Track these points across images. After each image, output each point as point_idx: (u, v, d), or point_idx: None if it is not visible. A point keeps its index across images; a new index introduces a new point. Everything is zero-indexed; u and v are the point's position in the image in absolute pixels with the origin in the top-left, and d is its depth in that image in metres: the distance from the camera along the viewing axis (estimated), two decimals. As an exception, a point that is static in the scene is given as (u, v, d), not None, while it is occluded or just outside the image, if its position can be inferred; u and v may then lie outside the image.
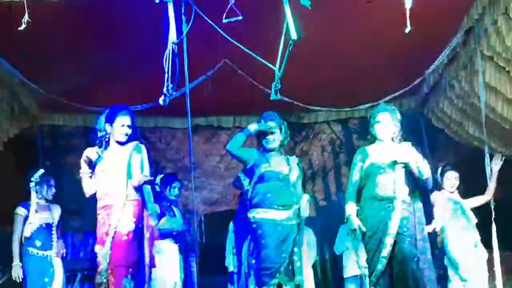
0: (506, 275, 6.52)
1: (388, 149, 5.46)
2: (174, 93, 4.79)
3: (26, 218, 6.58)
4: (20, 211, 6.65)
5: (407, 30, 4.59)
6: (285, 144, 5.94)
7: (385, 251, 5.21)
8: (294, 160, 5.84)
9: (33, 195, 6.72)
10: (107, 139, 5.29)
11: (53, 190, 6.83)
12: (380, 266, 5.22)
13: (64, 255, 6.88)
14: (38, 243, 6.57)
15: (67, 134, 9.08)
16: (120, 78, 7.16)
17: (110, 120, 5.27)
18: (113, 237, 5.05)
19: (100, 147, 5.28)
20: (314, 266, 8.65)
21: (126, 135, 5.28)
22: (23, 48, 6.11)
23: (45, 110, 8.48)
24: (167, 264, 6.96)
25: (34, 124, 8.49)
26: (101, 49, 6.53)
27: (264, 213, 5.54)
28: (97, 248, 5.17)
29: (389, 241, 5.21)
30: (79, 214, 8.30)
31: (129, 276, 5.02)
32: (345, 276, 8.45)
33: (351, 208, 5.43)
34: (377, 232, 5.28)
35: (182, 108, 4.79)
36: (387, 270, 5.25)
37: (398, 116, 5.53)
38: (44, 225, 6.65)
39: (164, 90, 4.65)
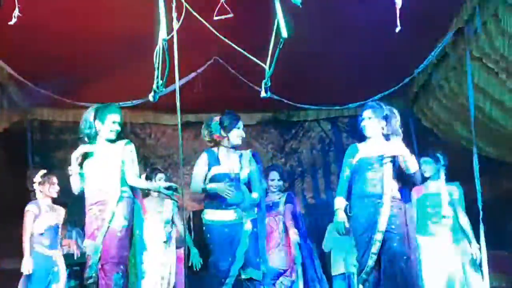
0: (494, 274, 6.56)
1: (377, 144, 5.45)
2: (164, 89, 4.79)
3: (36, 216, 6.62)
4: (33, 208, 6.66)
5: (397, 29, 4.61)
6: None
7: (375, 248, 5.21)
8: (246, 156, 5.76)
9: (39, 195, 6.75)
10: (94, 136, 5.28)
11: (57, 187, 6.83)
12: (370, 263, 5.23)
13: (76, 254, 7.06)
14: (46, 241, 6.60)
15: (57, 129, 9.06)
16: (110, 73, 7.16)
17: (101, 117, 5.25)
18: (106, 232, 5.03)
19: (86, 143, 5.28)
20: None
21: (116, 132, 5.28)
22: (13, 42, 6.10)
23: (34, 105, 8.46)
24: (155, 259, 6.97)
25: (23, 118, 8.47)
26: (91, 44, 6.53)
27: (212, 214, 5.55)
28: (86, 242, 5.16)
29: (378, 237, 5.20)
30: (67, 209, 8.28)
31: (120, 272, 5.01)
32: (333, 274, 8.47)
33: (339, 203, 5.43)
34: (367, 229, 5.29)
35: (172, 104, 4.79)
36: (376, 268, 5.26)
37: (385, 112, 5.52)
38: (53, 225, 6.69)
39: (154, 86, 4.64)
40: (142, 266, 5.37)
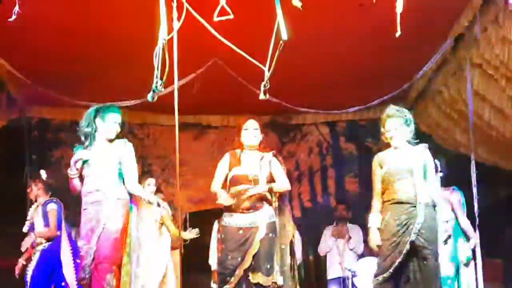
0: (489, 281, 6.56)
1: (403, 154, 5.35)
2: (163, 89, 4.78)
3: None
4: (59, 207, 6.95)
5: (397, 34, 4.61)
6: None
7: (401, 257, 5.09)
8: (267, 158, 5.71)
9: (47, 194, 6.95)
10: (93, 135, 5.27)
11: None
12: (392, 270, 5.12)
13: None
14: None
15: (55, 127, 9.06)
16: (109, 73, 7.15)
17: (102, 116, 5.25)
18: (100, 234, 5.02)
19: (84, 142, 5.27)
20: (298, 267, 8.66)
21: (116, 132, 5.29)
22: (12, 39, 6.09)
23: (33, 103, 8.45)
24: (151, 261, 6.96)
25: (21, 116, 8.46)
26: (91, 43, 6.52)
27: (229, 218, 5.53)
28: (80, 243, 5.15)
29: (406, 247, 5.09)
30: (66, 208, 8.28)
31: (113, 273, 5.01)
32: (328, 278, 8.48)
33: (373, 220, 5.32)
34: (396, 236, 5.15)
35: (171, 105, 4.78)
36: (396, 275, 5.17)
37: (408, 116, 5.40)
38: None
39: (153, 86, 4.63)
40: (135, 266, 5.37)
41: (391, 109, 5.41)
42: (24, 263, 6.89)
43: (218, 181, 5.66)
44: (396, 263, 5.11)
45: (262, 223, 5.48)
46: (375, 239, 5.28)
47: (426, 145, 5.47)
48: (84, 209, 5.18)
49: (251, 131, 5.70)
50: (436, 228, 5.27)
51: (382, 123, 5.42)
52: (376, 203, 5.39)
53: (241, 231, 5.46)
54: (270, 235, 5.49)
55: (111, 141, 5.28)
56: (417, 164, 5.26)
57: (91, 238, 5.05)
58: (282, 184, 5.71)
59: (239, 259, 5.39)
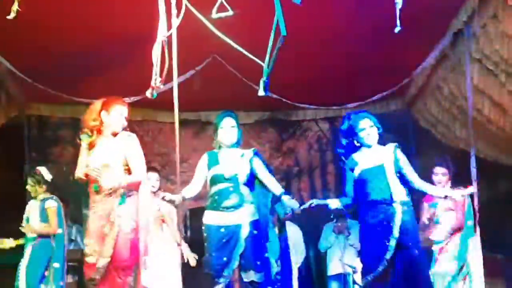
0: (489, 278, 6.56)
1: (374, 153, 5.47)
2: (162, 86, 4.78)
3: None
4: (58, 204, 7.03)
5: (397, 30, 4.61)
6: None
7: (388, 254, 5.16)
8: (247, 156, 5.59)
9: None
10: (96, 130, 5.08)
11: None
12: (380, 268, 5.18)
13: None
14: None
15: (54, 124, 9.04)
16: (109, 70, 7.15)
17: (108, 108, 5.06)
18: (116, 237, 4.85)
19: (82, 141, 5.07)
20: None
21: (122, 125, 5.10)
22: (11, 37, 6.09)
23: (32, 100, 8.45)
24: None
25: (21, 113, 8.45)
26: (90, 40, 6.52)
27: (210, 216, 5.49)
28: (89, 242, 4.99)
29: (392, 243, 5.15)
30: (64, 204, 8.28)
31: (133, 274, 4.91)
32: (328, 274, 8.49)
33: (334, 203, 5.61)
34: (377, 234, 5.23)
35: (170, 101, 4.78)
36: (384, 273, 5.20)
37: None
38: None
39: (152, 83, 4.63)
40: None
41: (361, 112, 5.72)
42: None
43: (193, 183, 5.62)
44: (385, 262, 5.16)
45: (245, 222, 5.41)
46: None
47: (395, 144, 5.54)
48: (93, 207, 5.02)
49: (227, 129, 5.56)
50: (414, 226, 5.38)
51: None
52: None
53: (223, 229, 5.38)
54: (255, 232, 5.43)
55: (115, 134, 5.10)
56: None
57: (103, 238, 4.88)
58: (276, 190, 5.56)
59: (224, 258, 5.32)
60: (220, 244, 5.37)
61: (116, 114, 5.08)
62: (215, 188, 5.50)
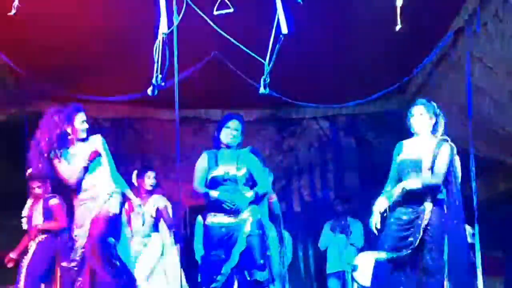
0: (489, 276, 6.57)
1: (421, 145, 5.23)
2: (163, 84, 4.78)
3: None
4: (61, 201, 7.13)
5: (398, 28, 4.61)
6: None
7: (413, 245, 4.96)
8: (243, 154, 5.66)
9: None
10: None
11: None
12: (404, 252, 4.97)
13: None
14: None
15: (54, 122, 9.02)
16: (109, 67, 7.15)
17: (68, 121, 5.39)
18: (95, 216, 5.15)
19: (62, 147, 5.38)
20: (297, 262, 8.70)
21: (86, 130, 5.44)
22: (11, 34, 6.09)
23: (32, 97, 8.44)
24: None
25: (21, 111, 8.44)
26: (91, 37, 6.52)
27: (211, 218, 5.53)
28: (76, 231, 5.26)
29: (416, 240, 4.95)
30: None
31: (110, 242, 5.18)
32: (328, 272, 8.50)
33: (379, 204, 5.15)
34: (408, 230, 5.04)
35: (171, 99, 4.78)
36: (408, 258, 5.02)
37: (436, 109, 5.30)
38: None
39: (153, 80, 4.64)
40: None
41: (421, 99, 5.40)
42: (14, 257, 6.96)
43: (201, 180, 5.62)
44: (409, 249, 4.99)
45: (246, 221, 5.44)
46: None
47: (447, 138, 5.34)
48: (83, 204, 5.31)
49: (231, 131, 5.62)
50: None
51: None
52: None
53: (223, 229, 5.42)
54: (258, 231, 5.44)
55: (84, 140, 5.42)
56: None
57: (85, 220, 5.19)
58: (262, 189, 5.62)
59: (223, 256, 5.36)
60: (219, 242, 5.40)
61: (78, 123, 5.42)
62: (217, 189, 5.52)
